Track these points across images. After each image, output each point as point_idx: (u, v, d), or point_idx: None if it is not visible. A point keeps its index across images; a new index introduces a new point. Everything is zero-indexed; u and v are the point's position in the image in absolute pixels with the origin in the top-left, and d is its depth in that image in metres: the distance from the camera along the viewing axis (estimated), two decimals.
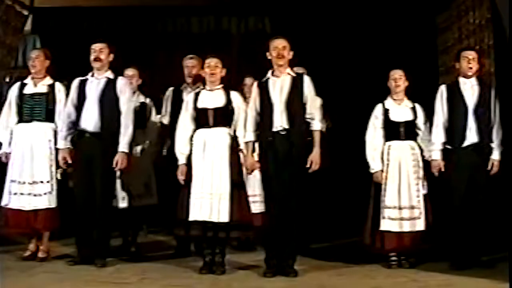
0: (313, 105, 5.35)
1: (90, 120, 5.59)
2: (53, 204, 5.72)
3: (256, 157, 5.45)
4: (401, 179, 5.61)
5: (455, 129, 5.60)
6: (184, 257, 5.96)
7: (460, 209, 5.52)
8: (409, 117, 5.71)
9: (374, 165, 5.67)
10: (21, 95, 5.85)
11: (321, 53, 8.12)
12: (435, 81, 7.76)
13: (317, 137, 5.33)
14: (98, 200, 5.54)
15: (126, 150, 5.60)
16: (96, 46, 5.70)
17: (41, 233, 5.82)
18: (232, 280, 5.17)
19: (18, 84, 5.97)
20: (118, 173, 5.81)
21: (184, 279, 5.21)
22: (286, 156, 5.24)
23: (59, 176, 5.79)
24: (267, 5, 8.50)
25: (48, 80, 5.91)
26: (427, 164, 5.67)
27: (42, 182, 5.73)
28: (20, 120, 5.84)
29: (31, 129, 5.80)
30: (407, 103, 5.77)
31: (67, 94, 5.81)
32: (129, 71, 6.24)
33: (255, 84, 5.53)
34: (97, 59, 5.67)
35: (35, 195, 5.70)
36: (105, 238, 5.61)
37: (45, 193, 5.71)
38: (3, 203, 5.77)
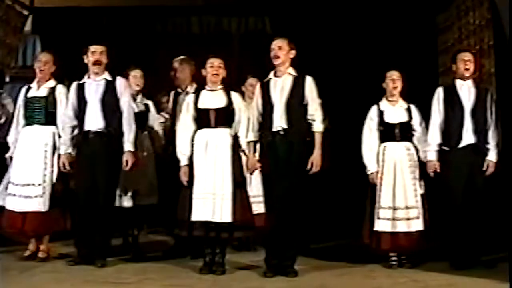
0: (315, 106, 5.33)
1: (94, 122, 5.59)
2: (43, 208, 5.65)
3: (257, 157, 5.45)
4: (396, 180, 5.62)
5: (451, 130, 5.62)
6: (184, 257, 5.95)
7: (460, 209, 5.53)
8: (404, 118, 5.73)
9: (370, 166, 5.69)
10: (25, 99, 5.87)
11: (321, 53, 8.11)
12: (435, 81, 7.77)
13: (318, 138, 5.31)
14: (101, 200, 5.54)
15: (133, 149, 5.64)
16: (97, 48, 5.68)
17: (26, 235, 5.79)
18: (232, 280, 5.17)
19: (25, 87, 5.97)
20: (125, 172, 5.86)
21: (184, 279, 5.21)
22: (285, 156, 5.23)
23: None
24: (267, 5, 8.50)
25: (51, 83, 5.90)
26: (424, 164, 5.68)
27: (33, 184, 5.68)
28: (25, 124, 5.86)
29: (31, 132, 5.81)
30: (402, 104, 5.78)
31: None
32: (137, 73, 6.26)
33: (258, 84, 5.54)
34: (98, 62, 5.66)
35: (25, 197, 5.66)
36: (106, 238, 5.62)
37: (35, 196, 5.66)
38: (1, 203, 5.78)
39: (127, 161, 5.60)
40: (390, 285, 5.08)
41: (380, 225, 5.58)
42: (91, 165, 5.57)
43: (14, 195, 5.70)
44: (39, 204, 5.65)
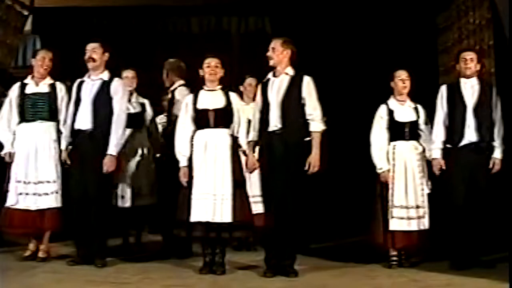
0: (312, 105, 5.31)
1: (84, 121, 5.58)
2: (59, 204, 5.71)
3: (256, 157, 5.45)
4: (407, 179, 5.63)
5: (454, 127, 5.62)
6: (184, 257, 5.95)
7: (460, 209, 5.53)
8: (413, 117, 5.74)
9: (381, 164, 5.67)
10: (22, 95, 5.83)
11: (321, 53, 8.11)
12: (435, 81, 7.77)
13: (316, 138, 5.28)
14: (93, 199, 5.52)
15: (114, 153, 5.57)
16: (89, 46, 5.69)
17: (44, 233, 5.78)
18: (232, 280, 5.17)
19: (18, 84, 5.94)
20: (128, 173, 5.95)
21: (184, 279, 5.21)
22: (282, 156, 5.22)
23: None
24: (267, 5, 8.50)
25: (49, 80, 5.91)
26: (430, 164, 5.68)
27: (48, 181, 5.71)
28: (22, 120, 5.82)
29: (35, 128, 5.79)
30: (410, 104, 5.80)
31: (69, 94, 5.82)
32: (128, 73, 6.25)
33: (259, 84, 5.54)
34: (90, 58, 5.66)
35: (40, 195, 5.68)
36: (102, 238, 5.59)
37: (52, 192, 5.70)
38: (8, 204, 5.71)
39: (105, 164, 5.51)
40: (390, 285, 5.08)
41: (395, 224, 5.58)
42: (82, 165, 5.56)
43: (27, 193, 5.69)
44: (57, 200, 5.70)
